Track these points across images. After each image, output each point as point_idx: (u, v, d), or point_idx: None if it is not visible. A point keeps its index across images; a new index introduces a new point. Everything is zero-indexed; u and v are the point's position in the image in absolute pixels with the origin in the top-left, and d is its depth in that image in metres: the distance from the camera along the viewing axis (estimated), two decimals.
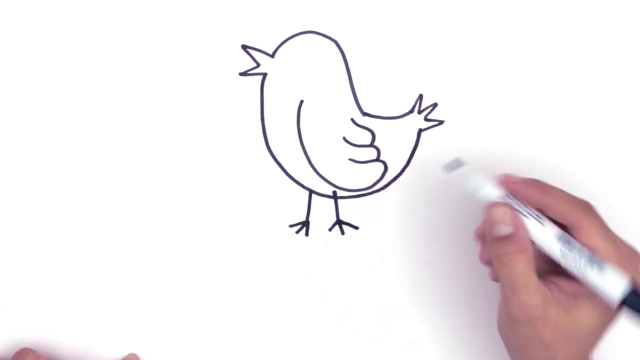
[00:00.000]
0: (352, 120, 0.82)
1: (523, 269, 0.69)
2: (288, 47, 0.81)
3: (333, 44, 0.81)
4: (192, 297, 0.82)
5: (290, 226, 0.82)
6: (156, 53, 0.81)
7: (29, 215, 0.81)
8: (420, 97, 0.82)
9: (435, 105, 0.81)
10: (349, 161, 0.82)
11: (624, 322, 0.72)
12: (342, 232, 0.82)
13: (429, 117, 0.82)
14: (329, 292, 0.82)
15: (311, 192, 0.82)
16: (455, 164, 0.72)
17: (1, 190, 0.81)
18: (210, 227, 0.82)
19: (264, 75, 0.81)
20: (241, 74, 0.81)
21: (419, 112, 0.82)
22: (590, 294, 0.70)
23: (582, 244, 0.70)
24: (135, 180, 0.81)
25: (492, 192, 0.71)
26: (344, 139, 0.82)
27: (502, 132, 0.82)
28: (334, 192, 0.83)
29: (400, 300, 0.82)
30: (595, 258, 0.69)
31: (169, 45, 0.81)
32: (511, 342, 0.72)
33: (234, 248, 0.82)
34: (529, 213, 0.70)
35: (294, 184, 0.81)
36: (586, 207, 0.71)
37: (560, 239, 0.70)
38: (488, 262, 0.73)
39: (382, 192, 0.82)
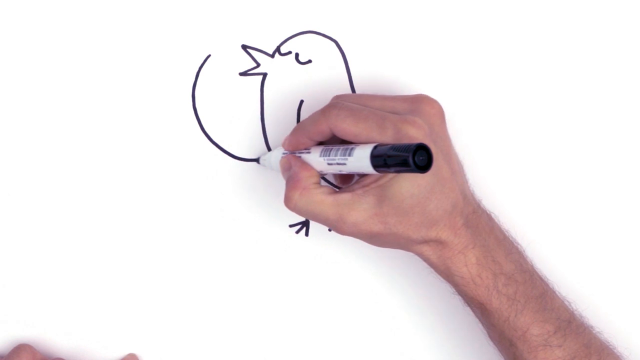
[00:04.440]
0: None
1: (304, 201, 0.73)
2: (288, 47, 0.81)
3: (333, 44, 0.81)
4: (191, 297, 0.82)
5: (290, 226, 0.82)
6: (156, 53, 0.81)
7: (29, 215, 0.81)
8: None
9: None
10: None
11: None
12: None
13: None
14: (328, 292, 0.82)
15: None
16: (258, 161, 0.81)
17: (1, 190, 0.81)
18: (210, 227, 0.82)
19: (264, 75, 0.81)
20: (241, 74, 0.81)
21: None
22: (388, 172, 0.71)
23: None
24: (134, 180, 0.81)
25: (276, 155, 0.78)
26: None
27: (502, 132, 0.82)
28: None
29: (400, 300, 0.82)
30: (344, 147, 0.71)
31: (169, 45, 0.81)
32: (380, 246, 0.76)
33: (234, 248, 0.82)
34: (299, 152, 0.75)
35: None
36: (326, 125, 0.73)
37: (321, 154, 0.73)
38: None
39: None
